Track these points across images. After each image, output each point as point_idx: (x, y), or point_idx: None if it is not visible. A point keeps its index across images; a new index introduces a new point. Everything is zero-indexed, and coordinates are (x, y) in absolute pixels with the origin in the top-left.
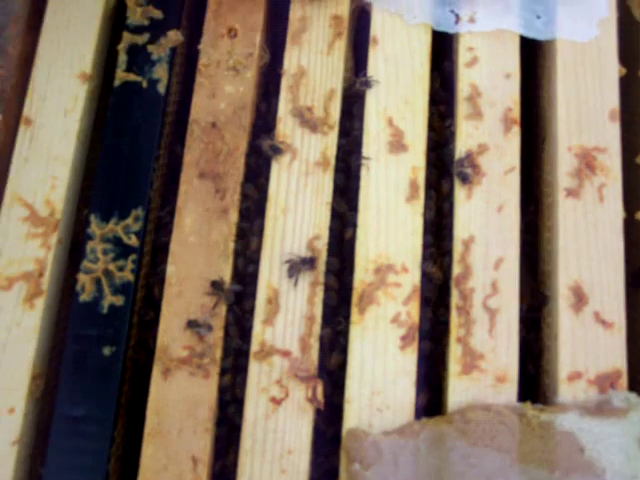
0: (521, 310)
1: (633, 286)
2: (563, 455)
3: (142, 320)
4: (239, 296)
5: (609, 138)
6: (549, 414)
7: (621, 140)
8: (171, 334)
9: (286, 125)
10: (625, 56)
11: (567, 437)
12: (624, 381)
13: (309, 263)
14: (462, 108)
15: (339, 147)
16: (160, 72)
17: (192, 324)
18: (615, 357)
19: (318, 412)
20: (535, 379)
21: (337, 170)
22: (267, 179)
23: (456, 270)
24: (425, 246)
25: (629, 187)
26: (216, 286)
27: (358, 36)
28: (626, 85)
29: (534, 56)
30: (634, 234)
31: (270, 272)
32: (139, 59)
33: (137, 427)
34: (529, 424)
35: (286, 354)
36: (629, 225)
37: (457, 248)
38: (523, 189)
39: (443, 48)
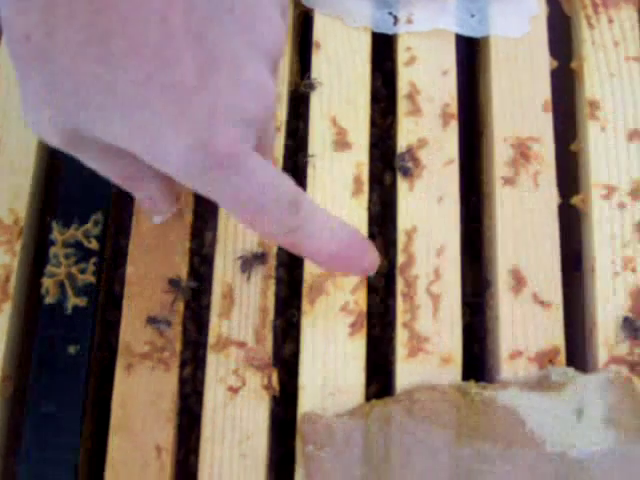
0: (466, 295)
1: (574, 270)
2: (505, 429)
3: (105, 320)
4: (196, 292)
5: (542, 128)
6: (491, 391)
7: (557, 129)
8: (132, 331)
9: None
10: (557, 50)
11: (508, 412)
12: (562, 357)
13: (260, 258)
14: (402, 105)
15: (286, 147)
16: None
17: (152, 321)
18: (554, 335)
19: (275, 399)
20: (481, 360)
21: (285, 169)
22: None
23: (400, 259)
24: (371, 237)
25: (566, 174)
26: (173, 284)
27: (303, 41)
28: (559, 77)
29: (474, 53)
30: (573, 219)
31: (224, 268)
32: None
33: (104, 421)
34: (472, 401)
35: (242, 345)
36: (569, 211)
37: (401, 238)
38: (467, 180)
39: (385, 49)
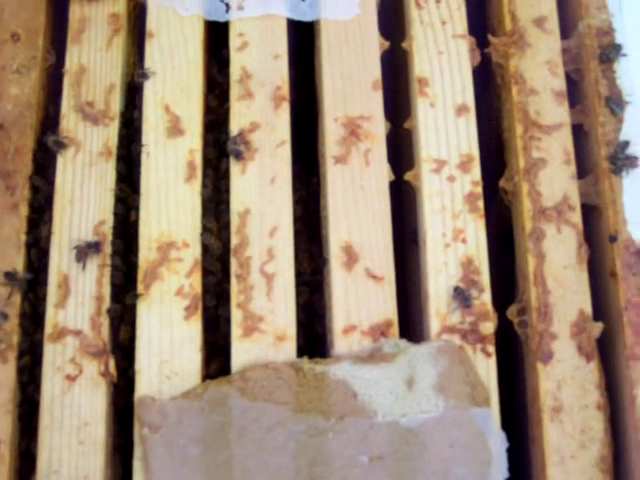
0: (305, 274)
1: (413, 242)
2: (337, 402)
3: None
4: (32, 284)
5: (373, 107)
6: (323, 366)
7: (391, 107)
8: None
9: (69, 120)
10: (390, 30)
11: (340, 385)
12: (395, 330)
13: (95, 247)
14: (234, 90)
15: (121, 137)
16: None
17: None
18: (386, 308)
19: (115, 385)
20: (323, 339)
21: (120, 159)
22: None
23: (234, 241)
24: (205, 221)
25: (403, 152)
26: (9, 277)
27: (141, 31)
28: (393, 57)
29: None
30: (408, 195)
31: (60, 259)
32: None
33: None
34: (305, 377)
35: (78, 333)
36: (404, 188)
37: (234, 221)
38: (307, 163)
39: (221, 37)
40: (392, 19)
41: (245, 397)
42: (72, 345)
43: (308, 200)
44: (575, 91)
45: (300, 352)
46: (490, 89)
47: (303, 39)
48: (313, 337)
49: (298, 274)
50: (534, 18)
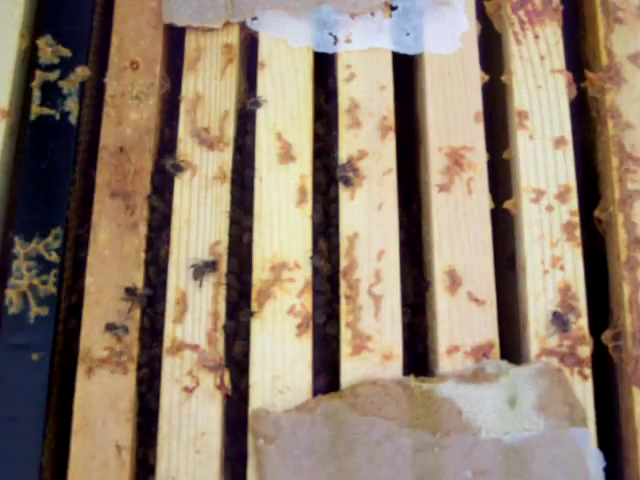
0: (408, 297)
1: (509, 269)
2: (443, 418)
3: (67, 328)
4: (151, 300)
5: (475, 138)
6: (429, 384)
7: (491, 139)
8: (92, 337)
9: (186, 145)
10: (488, 64)
11: (446, 402)
12: (496, 351)
13: (211, 266)
14: (343, 119)
15: (235, 162)
16: (71, 105)
17: (110, 327)
18: (488, 330)
19: (229, 398)
20: (425, 357)
21: (234, 182)
22: (172, 194)
23: (343, 263)
24: (315, 244)
25: (499, 180)
26: (130, 292)
27: (251, 61)
28: (491, 90)
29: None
30: (504, 223)
31: (177, 276)
32: (52, 94)
33: (67, 423)
34: (412, 394)
35: (195, 348)
36: (502, 215)
37: (343, 244)
38: (407, 189)
39: (327, 67)
40: (491, 53)
41: (356, 412)
42: (189, 358)
43: (409, 225)
44: None
45: (404, 370)
46: (584, 122)
47: (400, 71)
48: (414, 356)
49: (402, 296)
50: (630, 54)
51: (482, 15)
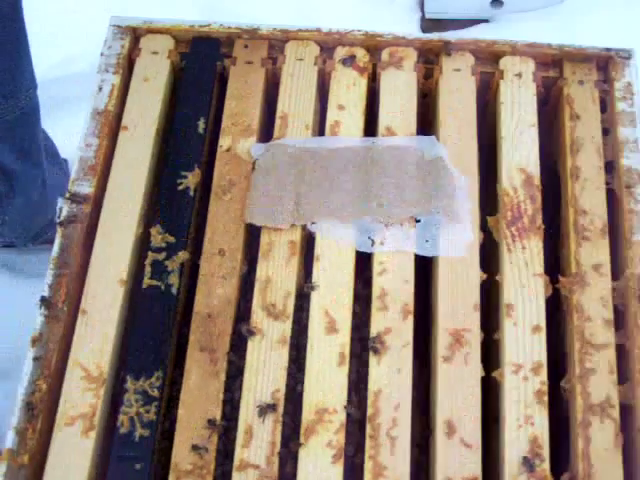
0: (416, 438)
1: (494, 421)
2: None
3: (162, 447)
4: (226, 430)
5: (472, 322)
6: None
7: (485, 323)
8: (181, 454)
9: (257, 315)
10: (487, 264)
11: None
12: None
13: (272, 407)
14: (375, 304)
15: (293, 330)
16: (173, 279)
17: (195, 447)
18: (473, 468)
19: None
20: None
21: (291, 346)
22: (246, 352)
23: (369, 411)
24: (349, 395)
25: (495, 355)
26: (210, 423)
27: (308, 254)
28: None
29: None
30: (493, 387)
31: (247, 414)
32: (159, 270)
33: None
34: None
35: (256, 467)
36: (489, 382)
37: (370, 397)
38: (422, 360)
39: (365, 262)
40: (489, 256)
41: None
42: (252, 475)
43: (419, 385)
44: (620, 318)
45: None
46: (558, 313)
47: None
48: None
49: (411, 438)
50: (593, 264)
51: (485, 227)
